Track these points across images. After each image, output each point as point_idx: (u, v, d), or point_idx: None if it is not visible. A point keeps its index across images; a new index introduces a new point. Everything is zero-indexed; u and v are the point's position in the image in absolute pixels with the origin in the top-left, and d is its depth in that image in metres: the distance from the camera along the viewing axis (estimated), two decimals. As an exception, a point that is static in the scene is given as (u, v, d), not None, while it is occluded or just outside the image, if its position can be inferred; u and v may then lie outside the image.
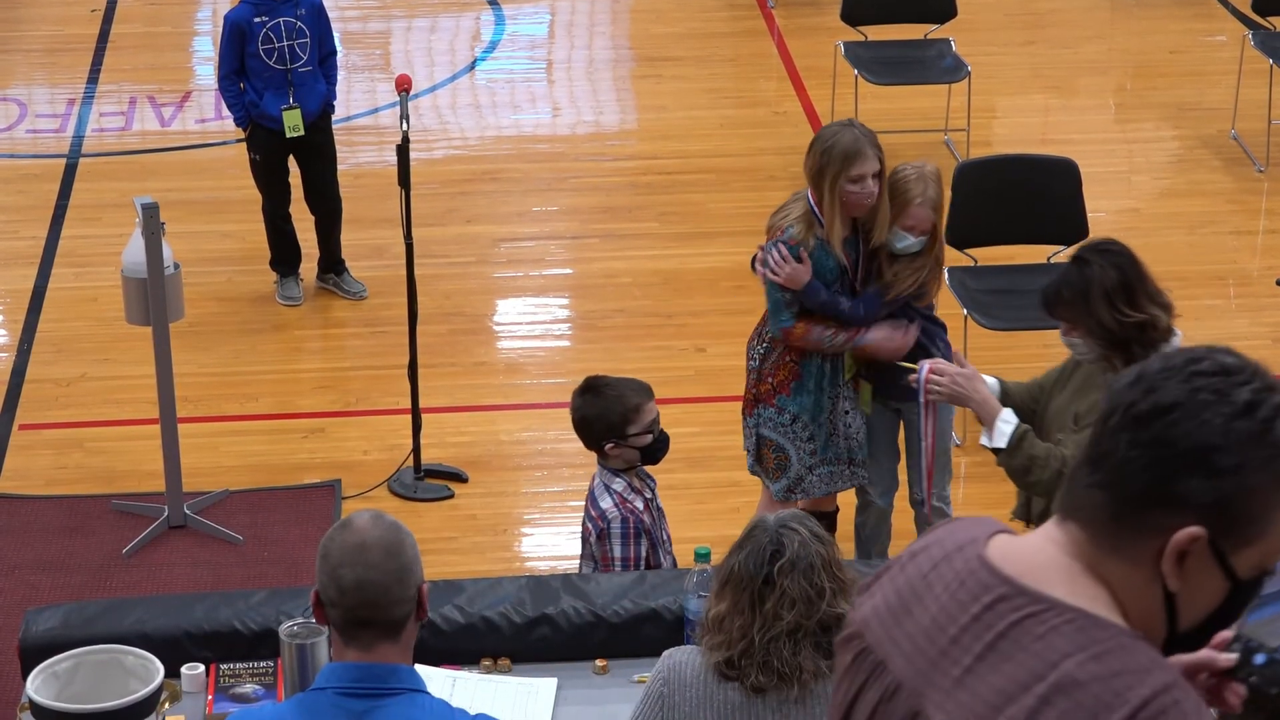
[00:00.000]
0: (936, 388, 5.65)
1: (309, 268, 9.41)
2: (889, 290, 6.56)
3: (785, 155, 10.51)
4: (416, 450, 7.85)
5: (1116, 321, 5.40)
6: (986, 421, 5.56)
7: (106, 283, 8.97)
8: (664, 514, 6.00)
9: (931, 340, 6.68)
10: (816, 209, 6.48)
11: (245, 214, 9.66)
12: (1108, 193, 10.15)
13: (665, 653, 4.22)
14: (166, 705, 4.59)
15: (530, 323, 9.24)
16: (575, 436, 8.17)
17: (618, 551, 5.73)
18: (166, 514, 7.49)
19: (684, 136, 11.08)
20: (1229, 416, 2.32)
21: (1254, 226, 10.13)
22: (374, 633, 3.66)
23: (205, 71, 12.06)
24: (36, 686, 4.52)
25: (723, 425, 7.76)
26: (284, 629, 4.72)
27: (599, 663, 5.07)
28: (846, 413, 6.70)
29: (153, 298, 7.17)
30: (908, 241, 6.51)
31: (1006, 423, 5.53)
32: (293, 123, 8.89)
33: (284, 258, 9.33)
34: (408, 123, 7.55)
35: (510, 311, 9.38)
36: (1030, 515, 5.91)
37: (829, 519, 6.96)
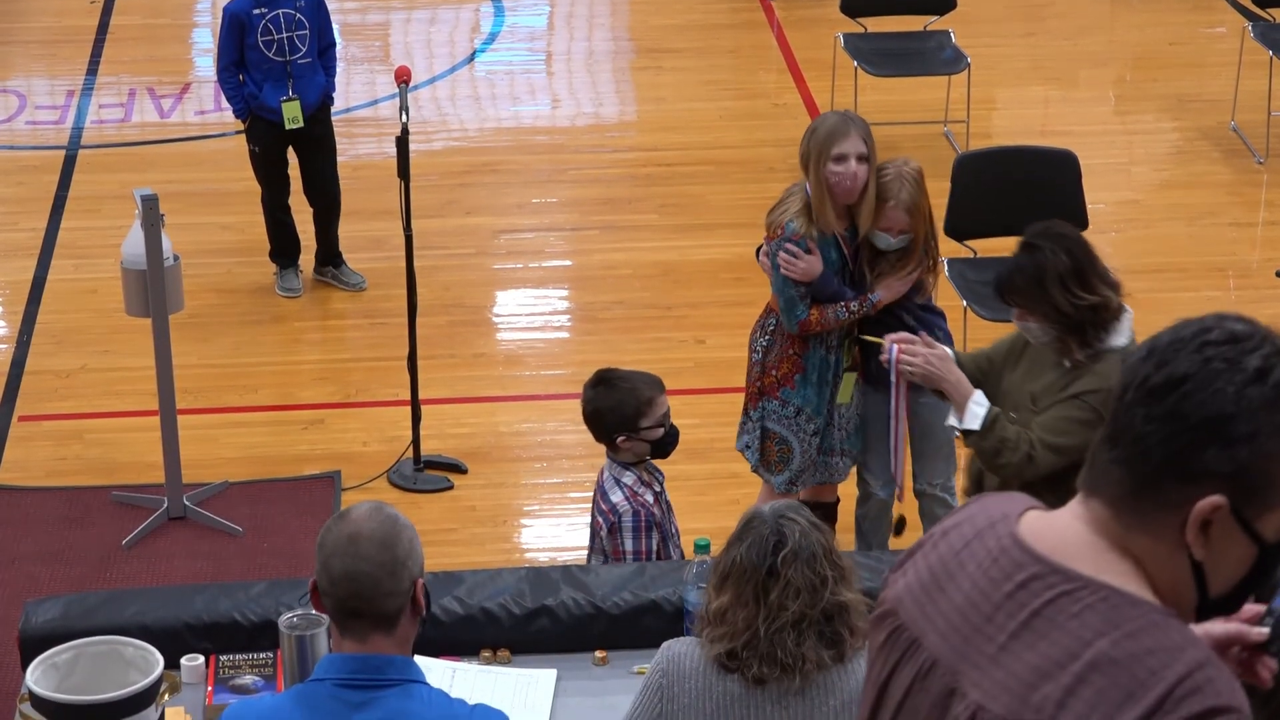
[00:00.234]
0: (909, 367, 5.69)
1: (307, 260, 9.41)
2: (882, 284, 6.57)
3: (785, 147, 10.50)
4: (416, 442, 7.85)
5: (1072, 305, 5.45)
6: (958, 403, 5.62)
7: (106, 274, 8.97)
8: (672, 507, 6.00)
9: (930, 329, 6.68)
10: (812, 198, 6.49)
11: (244, 206, 9.66)
12: (1107, 184, 10.15)
13: (664, 644, 4.22)
14: (166, 696, 4.59)
15: (530, 314, 9.24)
16: (575, 428, 8.18)
17: (629, 545, 5.73)
18: (166, 505, 7.49)
19: (684, 128, 11.07)
20: (1241, 385, 2.32)
21: (1254, 218, 10.13)
22: (365, 624, 3.66)
23: (205, 63, 12.06)
24: (36, 678, 4.52)
25: (722, 417, 7.76)
26: (283, 620, 4.71)
27: (598, 654, 5.07)
28: (844, 403, 6.70)
29: (152, 289, 7.17)
30: (888, 241, 6.52)
31: (979, 405, 5.57)
32: (292, 114, 8.89)
33: (283, 249, 9.33)
34: (407, 114, 7.54)
35: (510, 303, 9.37)
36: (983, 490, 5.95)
37: (829, 510, 6.96)
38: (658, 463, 5.97)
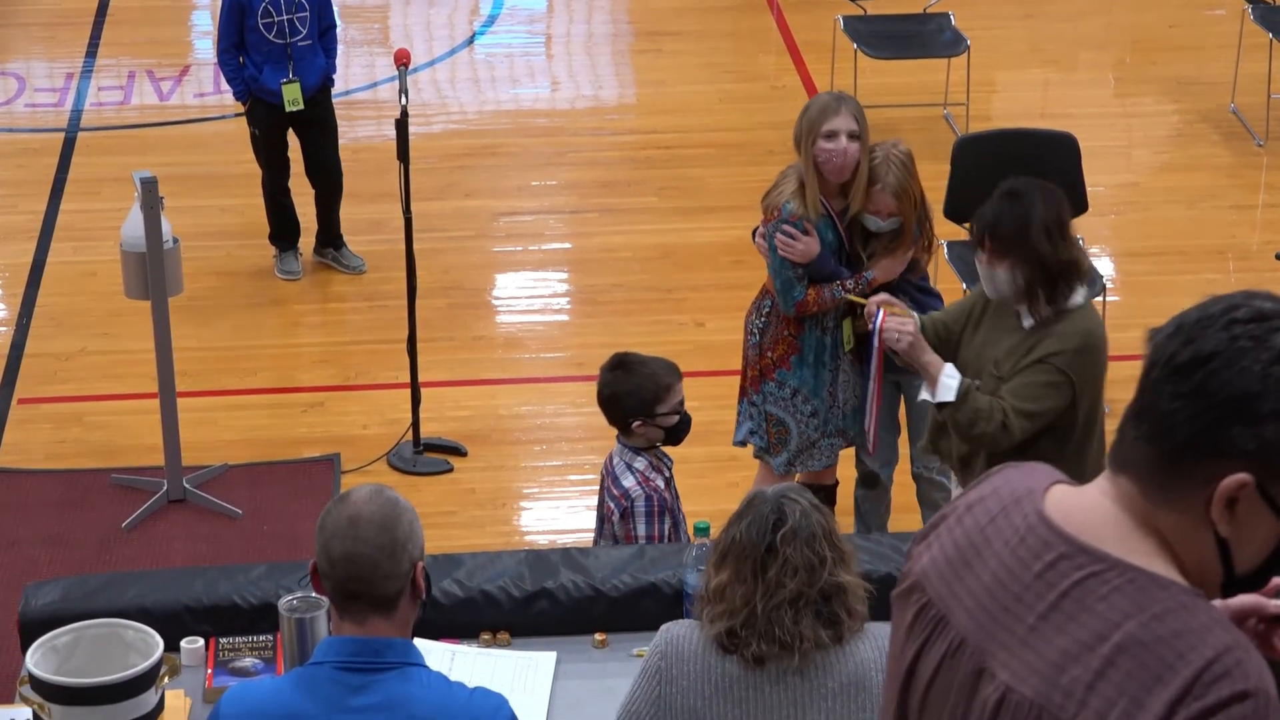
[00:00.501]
0: (897, 337, 5.69)
1: (307, 242, 9.40)
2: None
3: (784, 130, 10.41)
4: (416, 424, 7.84)
5: (1054, 254, 5.46)
6: (931, 376, 5.64)
7: (105, 257, 8.96)
8: (678, 494, 6.00)
9: (924, 311, 6.67)
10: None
11: (244, 188, 9.65)
12: (1107, 167, 10.14)
13: (663, 627, 4.21)
14: (166, 679, 4.58)
15: (529, 297, 9.23)
16: (574, 411, 8.20)
17: (642, 530, 5.73)
18: (166, 488, 7.49)
19: (683, 111, 11.06)
20: (1267, 362, 2.32)
21: (1253, 201, 10.12)
22: (364, 606, 3.65)
23: (204, 46, 12.04)
24: (36, 660, 4.52)
25: (722, 400, 7.75)
26: (283, 603, 4.71)
27: (598, 636, 5.07)
28: (844, 384, 6.69)
29: (152, 272, 7.16)
30: (877, 224, 6.51)
31: (951, 377, 5.60)
32: (292, 96, 8.88)
33: (283, 232, 9.32)
34: (406, 97, 7.53)
35: (509, 286, 9.36)
36: (939, 451, 5.96)
37: (829, 492, 6.95)
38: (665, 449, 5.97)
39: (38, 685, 4.46)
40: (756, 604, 4.03)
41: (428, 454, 7.87)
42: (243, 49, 8.88)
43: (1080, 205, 8.25)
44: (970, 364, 5.73)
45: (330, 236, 9.36)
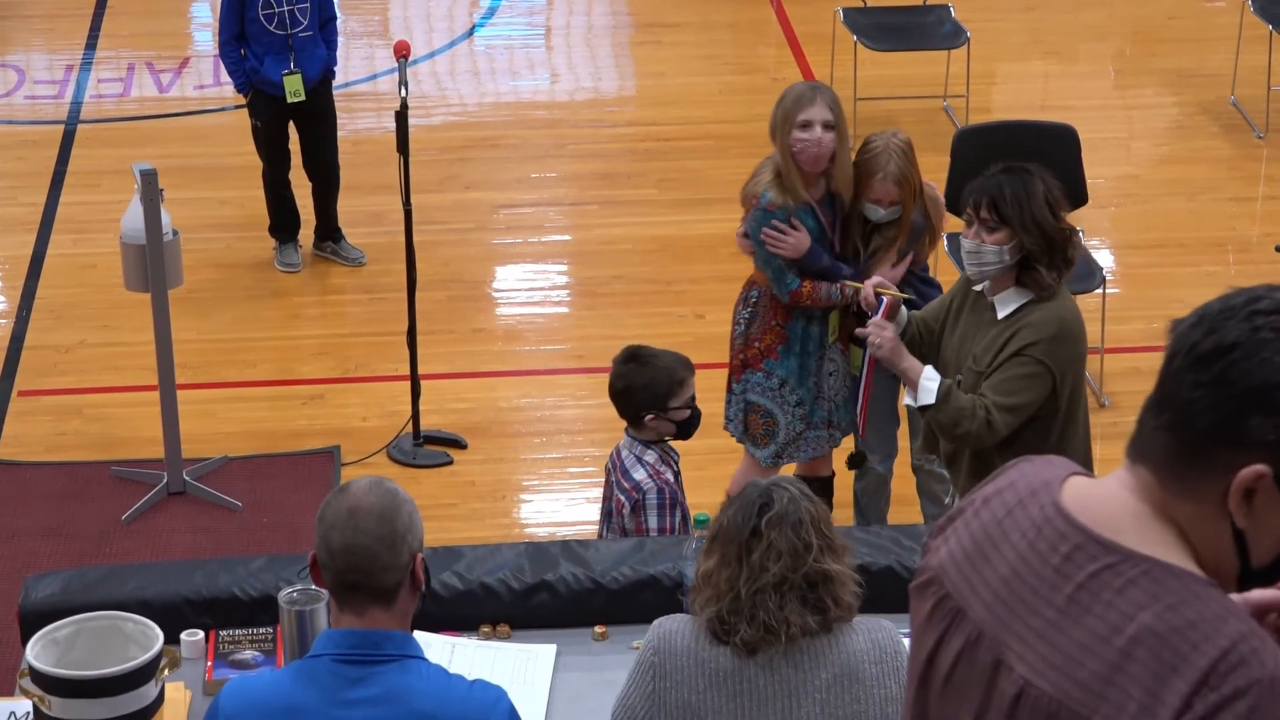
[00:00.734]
0: (877, 344, 5.69)
1: (307, 235, 9.39)
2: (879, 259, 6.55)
3: (784, 121, 10.47)
4: (415, 417, 7.84)
5: (1054, 225, 5.45)
6: (911, 381, 5.64)
7: (105, 249, 8.96)
8: (683, 488, 6.01)
9: (926, 299, 6.66)
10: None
11: (244, 180, 9.64)
12: (1107, 159, 10.13)
13: (656, 622, 4.21)
14: (166, 671, 4.58)
15: (529, 289, 9.23)
16: (574, 403, 8.20)
17: (654, 522, 5.72)
18: (166, 481, 7.48)
19: (683, 103, 11.05)
20: None
21: (1253, 193, 10.11)
22: (364, 598, 3.65)
23: (204, 37, 12.03)
24: (36, 653, 4.52)
25: (722, 392, 7.74)
26: (283, 595, 4.71)
27: (598, 629, 5.07)
28: (831, 374, 6.69)
29: (151, 264, 7.16)
30: (879, 213, 6.50)
31: (930, 380, 5.60)
32: (294, 88, 8.87)
33: (283, 224, 9.32)
34: (406, 89, 7.52)
35: (509, 278, 9.36)
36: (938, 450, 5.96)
37: (824, 484, 6.94)
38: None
39: (38, 678, 4.46)
40: (740, 588, 4.03)
41: (427, 446, 7.87)
42: (244, 40, 8.88)
43: (1080, 197, 8.24)
44: (950, 360, 5.72)
45: (329, 229, 9.35)
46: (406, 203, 7.62)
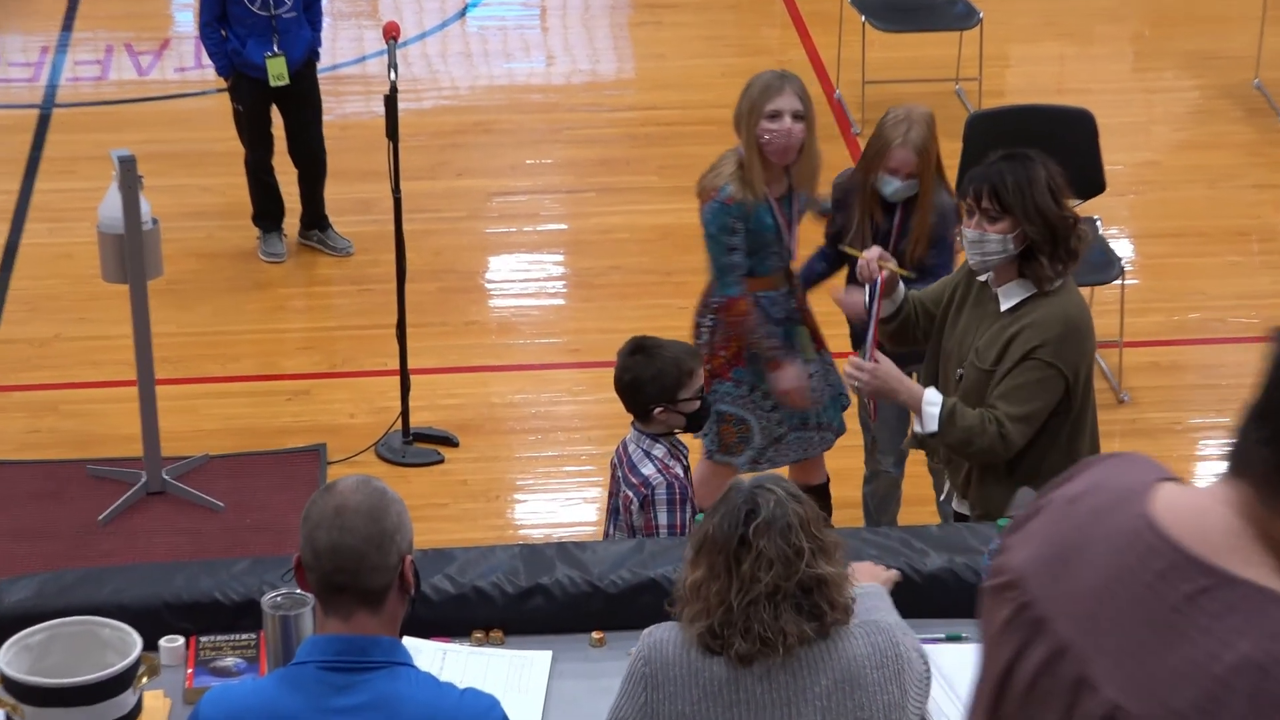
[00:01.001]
0: (857, 383, 5.67)
1: (292, 223, 9.39)
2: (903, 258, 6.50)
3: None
4: (405, 413, 7.84)
5: (1058, 212, 5.41)
6: (913, 408, 5.63)
7: (82, 239, 8.95)
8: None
9: (934, 275, 6.63)
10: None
11: (226, 167, 9.64)
12: (1125, 145, 10.12)
13: (645, 631, 4.19)
14: (144, 679, 4.57)
15: (523, 280, 9.22)
16: (570, 399, 8.19)
17: (664, 519, 5.72)
18: (144, 480, 7.48)
19: (684, 86, 11.04)
20: None
21: (1277, 180, 10.10)
22: (350, 600, 3.64)
23: (185, 18, 12.02)
24: (9, 659, 4.51)
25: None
26: (267, 600, 4.70)
27: (595, 635, 5.06)
28: (811, 375, 6.67)
29: (130, 254, 7.15)
30: (894, 186, 6.46)
31: (932, 404, 5.55)
32: (277, 71, 8.86)
33: (267, 212, 9.31)
34: (396, 72, 7.52)
35: (503, 269, 9.35)
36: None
37: (820, 491, 6.88)
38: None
39: (10, 686, 4.45)
40: (732, 600, 4.01)
41: (417, 444, 7.86)
42: (225, 22, 8.86)
43: (1097, 184, 8.23)
44: (952, 353, 5.68)
45: (315, 218, 9.35)
46: (396, 190, 7.61)
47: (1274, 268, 9.28)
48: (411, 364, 7.82)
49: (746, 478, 4.17)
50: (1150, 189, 10.02)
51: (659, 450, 5.81)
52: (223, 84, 9.24)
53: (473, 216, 9.71)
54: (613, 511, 5.98)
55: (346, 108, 10.72)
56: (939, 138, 6.63)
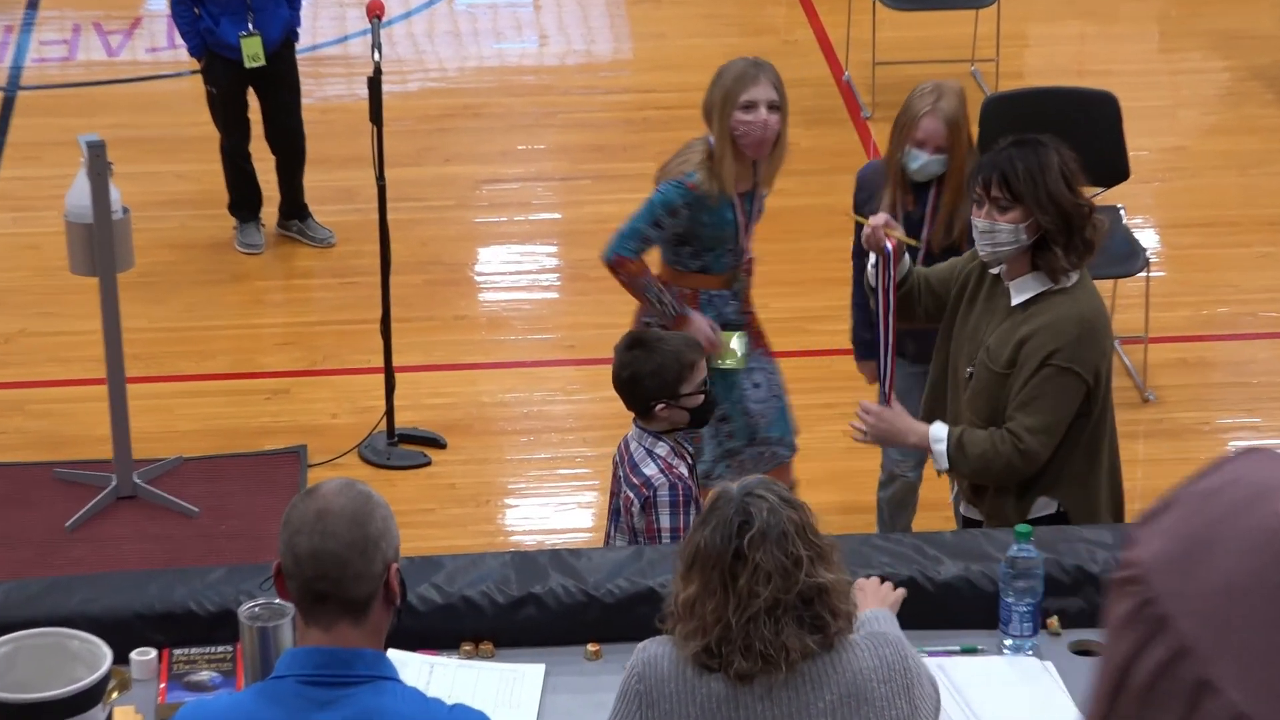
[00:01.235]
0: (864, 429, 5.70)
1: (270, 212, 9.39)
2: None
3: (795, 89, 10.39)
4: (390, 413, 7.84)
5: (1072, 200, 5.39)
6: (923, 450, 5.63)
7: (48, 228, 8.94)
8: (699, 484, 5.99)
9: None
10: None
11: (201, 153, 9.64)
12: (1151, 129, 10.13)
13: (639, 646, 4.18)
14: (115, 694, 4.57)
15: (515, 273, 9.22)
16: (565, 398, 8.19)
17: (665, 522, 5.71)
18: (114, 483, 7.48)
19: (684, 67, 11.04)
20: None
21: (1311, 166, 10.11)
22: (332, 610, 3.64)
23: (156, -4, 12.03)
24: (-29, 673, 4.51)
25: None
26: (244, 610, 4.70)
27: (591, 647, 5.06)
28: (757, 385, 6.67)
29: (99, 245, 7.15)
30: (922, 160, 6.41)
31: (938, 440, 5.54)
32: (252, 51, 8.86)
33: (244, 201, 9.31)
34: (380, 52, 7.52)
35: (493, 260, 9.36)
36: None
37: None
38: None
39: (-27, 701, 4.45)
40: (730, 618, 4.00)
41: (403, 445, 7.86)
42: (198, -1, 8.88)
43: (1121, 171, 8.24)
44: (964, 346, 5.65)
45: (294, 207, 9.35)
46: (380, 177, 7.61)
47: (1307, 259, 9.29)
48: (397, 361, 7.82)
49: (733, 484, 4.15)
50: (1177, 176, 10.02)
51: (662, 449, 5.80)
52: (196, 65, 9.24)
53: (461, 205, 9.71)
54: (613, 513, 5.98)
55: (327, 90, 10.72)
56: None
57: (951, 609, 5.02)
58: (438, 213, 9.60)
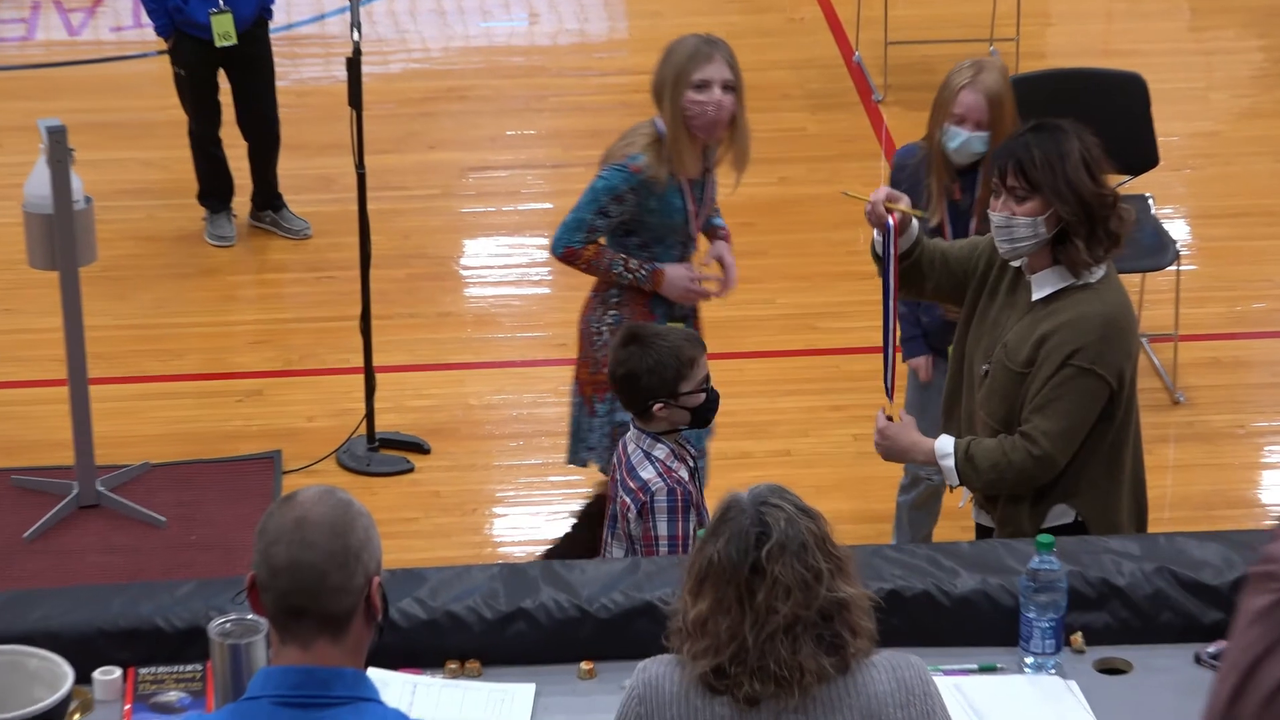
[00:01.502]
0: (878, 445, 5.73)
1: (242, 202, 9.39)
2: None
3: (801, 70, 10.48)
4: (370, 416, 7.84)
5: (1094, 190, 5.38)
6: (930, 465, 5.66)
7: (6, 219, 8.94)
8: (703, 487, 5.99)
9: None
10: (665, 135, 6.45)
11: (168, 139, 9.64)
12: (1181, 113, 10.13)
13: (639, 666, 4.17)
14: (77, 716, 4.58)
15: (503, 266, 9.23)
16: (557, 400, 8.18)
17: (664, 529, 5.72)
18: (76, 491, 7.48)
19: (683, 47, 11.03)
20: None
21: (1352, 153, 10.12)
22: (310, 626, 3.64)
23: (121, -29, 12.04)
24: (-76, 694, 4.51)
25: (728, 386, 7.72)
26: (214, 627, 4.70)
27: (584, 665, 5.07)
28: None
29: (60, 237, 7.15)
30: (962, 138, 6.40)
31: (945, 455, 5.54)
32: (223, 29, 8.85)
33: (214, 190, 9.31)
34: (359, 31, 7.52)
35: (480, 253, 9.36)
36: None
37: None
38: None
39: (-74, 723, 4.45)
40: (746, 635, 3.98)
41: (384, 451, 7.87)
42: (166, -26, 8.88)
43: (1149, 158, 8.24)
44: (981, 341, 5.64)
45: (268, 196, 9.35)
46: (360, 165, 7.61)
47: (1348, 251, 9.30)
48: (377, 361, 7.82)
49: (742, 492, 4.14)
50: (1209, 163, 10.02)
51: (661, 451, 5.80)
52: (164, 46, 9.24)
53: (446, 195, 9.71)
54: (610, 518, 5.98)
55: (304, 72, 10.73)
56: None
57: (968, 625, 5.02)
58: (421, 203, 9.61)
